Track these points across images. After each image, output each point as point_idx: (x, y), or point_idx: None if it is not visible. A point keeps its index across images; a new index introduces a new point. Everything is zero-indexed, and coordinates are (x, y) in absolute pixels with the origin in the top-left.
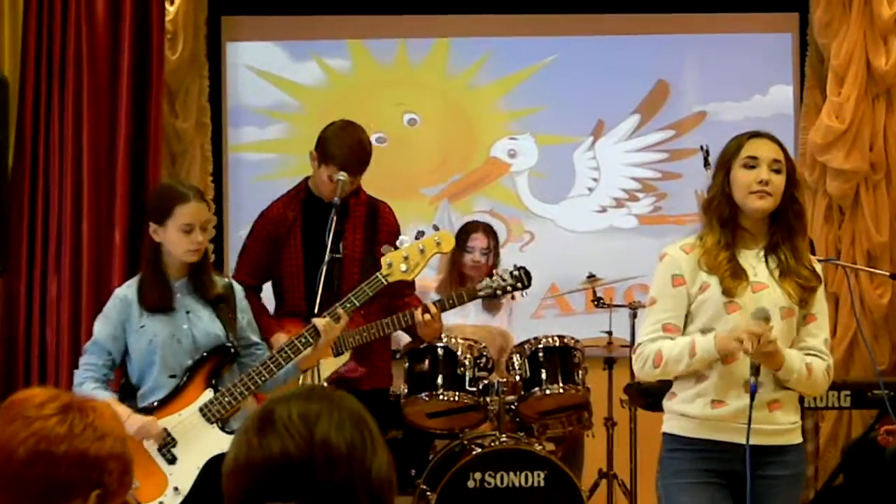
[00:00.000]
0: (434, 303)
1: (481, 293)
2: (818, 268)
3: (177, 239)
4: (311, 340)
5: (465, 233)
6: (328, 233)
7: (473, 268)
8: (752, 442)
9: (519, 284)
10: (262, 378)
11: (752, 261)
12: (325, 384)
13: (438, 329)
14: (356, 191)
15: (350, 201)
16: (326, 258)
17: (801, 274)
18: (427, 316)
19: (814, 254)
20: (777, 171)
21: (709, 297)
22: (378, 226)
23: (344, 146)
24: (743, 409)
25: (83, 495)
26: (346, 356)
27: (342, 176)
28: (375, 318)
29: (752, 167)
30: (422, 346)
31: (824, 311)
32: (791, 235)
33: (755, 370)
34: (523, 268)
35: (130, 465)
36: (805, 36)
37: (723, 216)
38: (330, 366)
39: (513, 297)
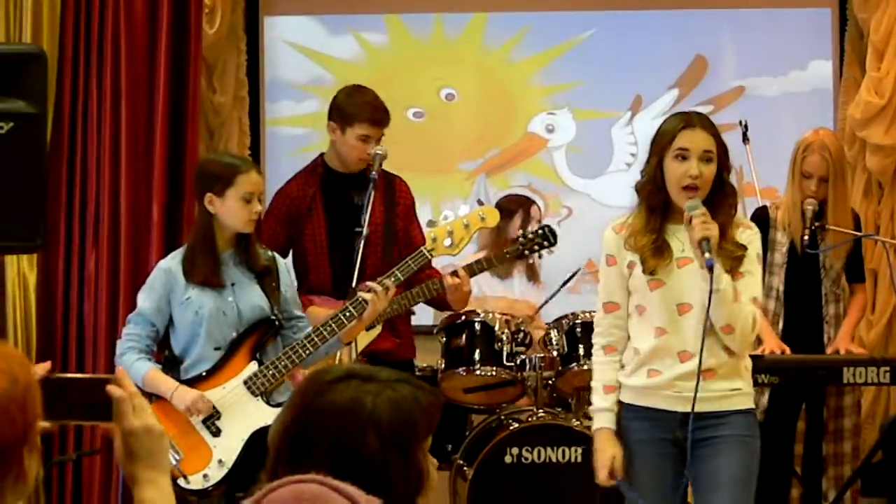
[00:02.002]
0: (463, 267)
1: (509, 255)
2: (745, 235)
3: (237, 208)
4: (355, 314)
5: (526, 203)
6: (366, 208)
7: None
8: (684, 410)
9: (546, 243)
10: (307, 351)
11: (682, 235)
12: (362, 359)
13: (468, 294)
14: (371, 165)
15: (367, 175)
16: (365, 232)
17: (725, 248)
18: (456, 280)
19: (859, 229)
20: (708, 161)
21: (635, 275)
22: (395, 199)
23: (363, 102)
24: (674, 377)
25: (16, 462)
26: (377, 329)
27: (380, 150)
28: (399, 292)
29: (684, 158)
30: (458, 322)
31: (753, 272)
32: (716, 214)
33: (706, 245)
34: (548, 226)
35: (36, 392)
36: (845, 10)
37: (652, 203)
38: (364, 339)
39: (540, 256)
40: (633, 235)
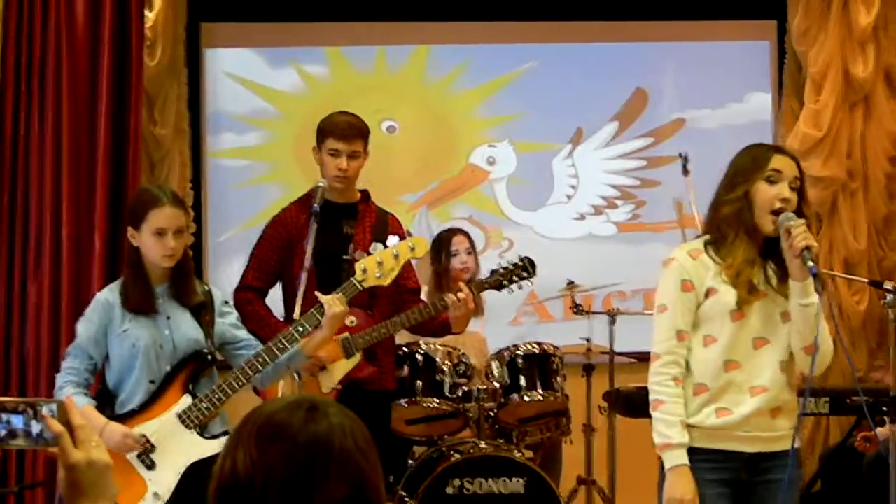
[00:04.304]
0: (467, 284)
1: (487, 286)
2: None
3: (150, 243)
4: (308, 327)
5: (445, 240)
6: (308, 240)
7: (463, 270)
8: (752, 450)
9: (525, 274)
10: (247, 377)
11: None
12: (339, 387)
13: (472, 311)
14: (365, 197)
15: (360, 206)
16: (307, 265)
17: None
18: (461, 295)
19: None
20: (794, 189)
21: (715, 304)
22: (387, 234)
23: (337, 119)
24: (747, 417)
25: None
26: (357, 357)
27: (321, 182)
28: (381, 319)
29: (775, 182)
30: (401, 353)
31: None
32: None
33: (808, 254)
34: (528, 257)
35: None
36: (783, 44)
37: (749, 228)
38: (342, 368)
39: (520, 287)
40: (730, 268)
